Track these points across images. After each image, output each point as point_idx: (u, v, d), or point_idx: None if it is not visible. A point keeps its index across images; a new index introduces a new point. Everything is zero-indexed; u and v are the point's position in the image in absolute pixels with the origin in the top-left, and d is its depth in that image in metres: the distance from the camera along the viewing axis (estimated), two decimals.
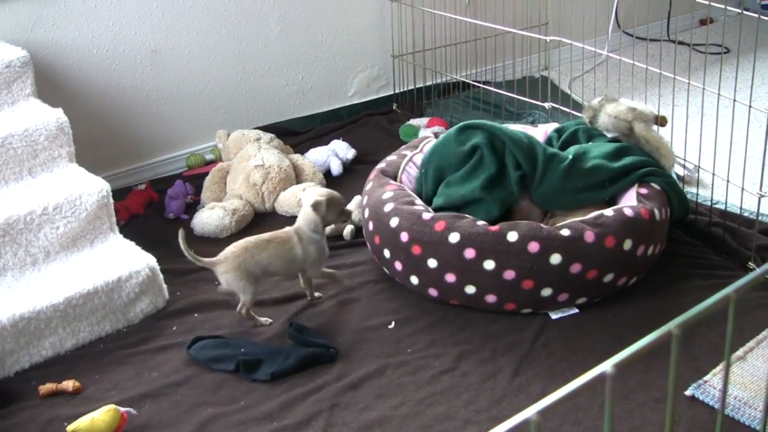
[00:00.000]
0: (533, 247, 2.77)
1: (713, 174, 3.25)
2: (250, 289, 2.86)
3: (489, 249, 2.80)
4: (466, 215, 2.95)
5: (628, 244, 2.85)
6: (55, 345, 2.82)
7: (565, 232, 2.81)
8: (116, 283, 2.92)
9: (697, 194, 3.56)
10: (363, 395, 2.56)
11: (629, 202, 3.02)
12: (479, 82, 4.61)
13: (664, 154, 3.23)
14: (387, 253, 3.02)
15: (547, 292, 2.83)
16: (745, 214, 3.29)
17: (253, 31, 4.26)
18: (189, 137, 4.23)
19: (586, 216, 2.92)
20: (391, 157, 3.46)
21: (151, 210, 3.79)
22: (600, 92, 3.72)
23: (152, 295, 3.02)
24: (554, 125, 3.60)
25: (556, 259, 2.78)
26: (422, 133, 4.20)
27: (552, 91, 4.14)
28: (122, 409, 2.44)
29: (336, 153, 4.09)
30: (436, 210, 3.06)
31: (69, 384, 2.64)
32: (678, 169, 3.59)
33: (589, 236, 2.81)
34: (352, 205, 3.38)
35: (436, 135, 3.70)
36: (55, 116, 3.23)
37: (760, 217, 3.18)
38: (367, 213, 3.14)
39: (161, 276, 3.05)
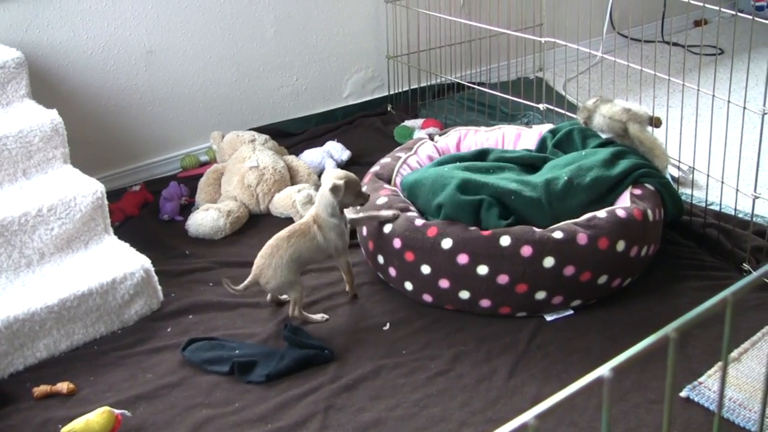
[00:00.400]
0: (526, 250, 2.77)
1: (708, 175, 3.25)
2: (296, 285, 2.89)
3: (482, 254, 2.80)
4: (458, 221, 2.94)
5: (621, 245, 2.85)
6: (50, 347, 2.81)
7: (558, 235, 2.81)
8: (111, 284, 2.91)
9: (692, 195, 3.56)
10: (358, 397, 2.56)
11: (623, 203, 3.02)
12: (474, 83, 4.61)
13: (658, 155, 3.23)
14: (381, 259, 3.02)
15: (541, 295, 2.83)
16: (740, 216, 3.29)
17: (247, 33, 4.26)
18: (184, 138, 4.22)
19: (579, 218, 2.92)
20: (386, 160, 3.45)
21: (146, 211, 3.78)
22: (594, 93, 3.73)
23: (147, 297, 3.01)
24: (549, 126, 3.60)
25: (549, 262, 2.78)
26: (417, 134, 4.20)
27: (547, 92, 4.14)
28: (117, 411, 2.43)
29: (331, 154, 4.09)
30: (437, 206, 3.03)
31: (63, 386, 2.64)
32: (672, 171, 3.59)
33: (582, 238, 2.81)
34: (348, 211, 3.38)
35: (430, 136, 3.69)
36: (50, 117, 3.22)
37: (754, 219, 3.19)
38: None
39: (156, 277, 3.05)
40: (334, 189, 2.88)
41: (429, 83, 4.77)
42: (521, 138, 3.62)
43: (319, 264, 3.11)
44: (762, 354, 2.60)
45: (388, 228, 2.96)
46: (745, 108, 2.96)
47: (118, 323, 2.96)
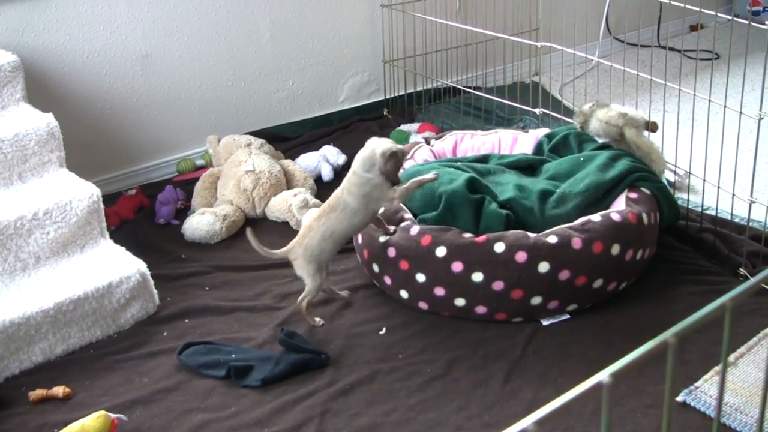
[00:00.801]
0: (521, 256, 2.77)
1: (704, 180, 3.26)
2: (318, 276, 2.88)
3: (476, 261, 2.79)
4: (452, 227, 2.94)
5: (616, 249, 2.85)
6: (45, 351, 2.80)
7: (552, 240, 2.80)
8: (107, 288, 2.90)
9: (688, 200, 3.57)
10: (354, 401, 2.55)
11: (618, 206, 3.03)
12: (470, 87, 4.62)
13: (654, 160, 3.24)
14: (376, 268, 3.02)
15: (537, 300, 2.83)
16: (736, 220, 3.30)
17: (243, 37, 4.26)
18: (180, 142, 4.22)
19: (573, 222, 2.92)
20: None
21: (142, 215, 3.77)
22: (591, 98, 3.73)
23: (143, 301, 3.01)
24: (545, 131, 3.61)
25: (544, 267, 2.78)
26: (413, 138, 4.20)
27: (543, 96, 4.15)
28: (113, 416, 2.42)
29: (327, 158, 4.09)
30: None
31: (59, 390, 2.63)
32: (669, 175, 3.60)
33: (577, 243, 2.80)
34: None
35: (426, 140, 3.70)
36: (46, 121, 3.22)
37: (750, 223, 3.19)
38: None
39: (152, 281, 3.04)
40: (391, 155, 2.81)
41: (425, 87, 4.78)
42: (518, 142, 3.62)
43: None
44: (758, 358, 2.60)
45: (383, 236, 2.96)
46: (741, 113, 2.96)
47: (114, 327, 2.95)
